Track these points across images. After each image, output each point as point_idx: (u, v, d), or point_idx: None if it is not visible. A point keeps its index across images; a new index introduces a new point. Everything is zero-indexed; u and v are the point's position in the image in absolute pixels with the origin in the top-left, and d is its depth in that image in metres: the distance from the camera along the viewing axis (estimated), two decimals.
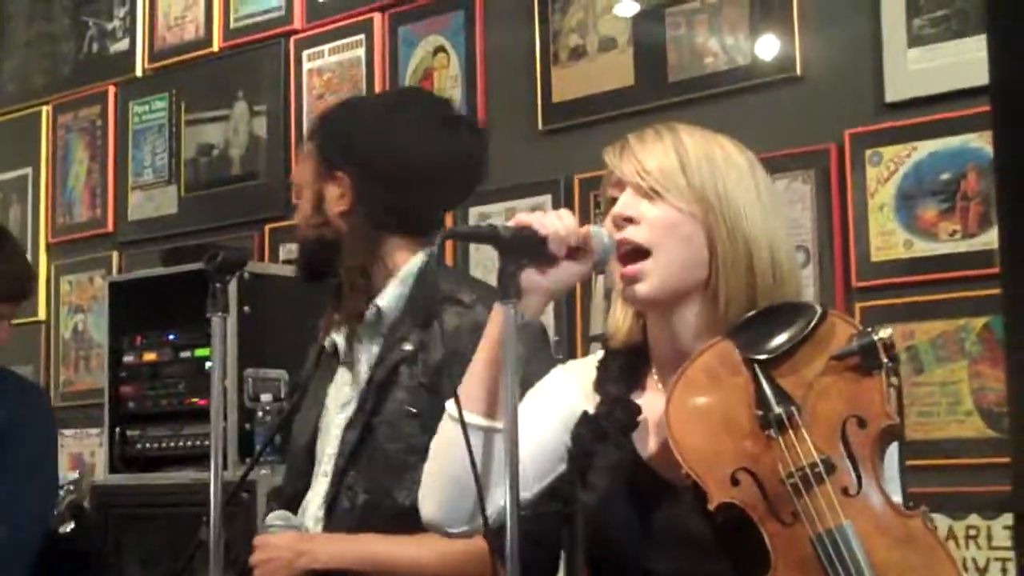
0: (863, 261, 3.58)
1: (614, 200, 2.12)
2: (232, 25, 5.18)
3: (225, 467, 3.17)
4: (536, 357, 2.47)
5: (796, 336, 1.96)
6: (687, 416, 1.96)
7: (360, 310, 2.75)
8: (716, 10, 3.91)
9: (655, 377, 2.15)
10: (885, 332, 1.92)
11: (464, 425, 1.97)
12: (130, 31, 5.54)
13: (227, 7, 5.20)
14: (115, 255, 5.47)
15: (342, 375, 2.82)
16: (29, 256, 5.63)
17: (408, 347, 2.67)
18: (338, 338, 2.82)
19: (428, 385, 2.63)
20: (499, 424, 2.01)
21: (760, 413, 1.91)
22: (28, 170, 5.85)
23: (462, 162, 2.83)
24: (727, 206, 2.07)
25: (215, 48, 5.24)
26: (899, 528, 1.85)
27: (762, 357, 1.95)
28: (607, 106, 4.09)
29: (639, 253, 2.06)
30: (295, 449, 2.90)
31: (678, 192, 2.06)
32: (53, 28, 5.88)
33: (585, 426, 2.09)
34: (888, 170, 3.55)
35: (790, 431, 1.89)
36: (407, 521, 2.59)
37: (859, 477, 1.88)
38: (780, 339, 1.96)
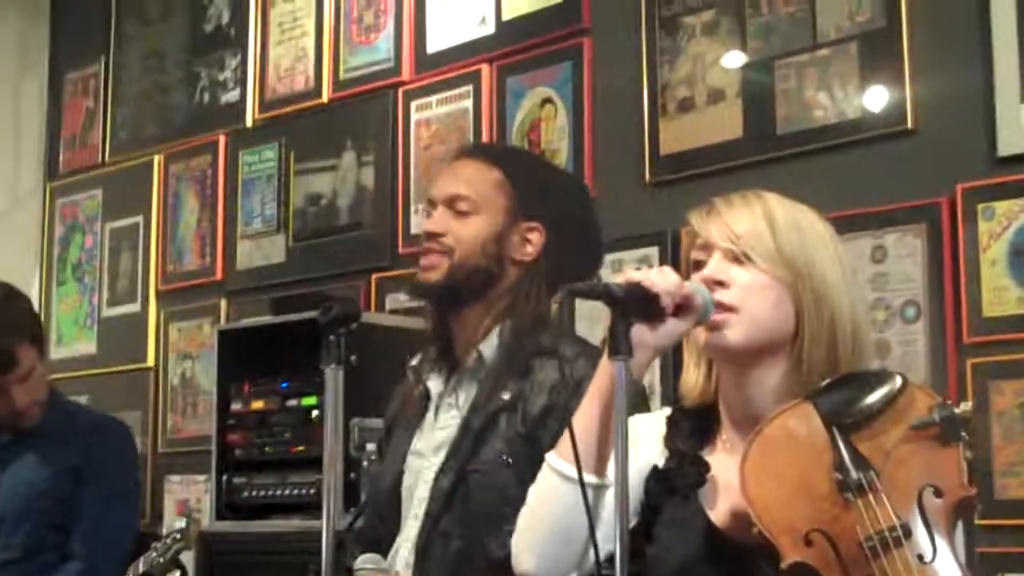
0: (975, 316, 3.53)
1: (698, 263, 2.16)
2: (342, 76, 5.23)
3: None
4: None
5: (877, 404, 1.98)
6: (763, 474, 1.99)
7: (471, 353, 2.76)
8: (825, 62, 3.89)
9: (724, 437, 2.17)
10: (965, 406, 1.95)
11: (583, 484, 1.99)
12: (241, 82, 5.61)
13: (336, 58, 5.25)
14: (223, 303, 5.52)
15: (434, 418, 2.81)
16: (138, 304, 5.75)
17: (506, 396, 2.67)
18: (432, 383, 2.83)
19: (526, 435, 2.64)
20: (607, 481, 2.02)
21: (839, 476, 1.93)
22: (139, 218, 5.93)
23: (601, 251, 2.97)
24: (814, 275, 2.11)
25: (324, 99, 5.29)
26: None
27: (842, 422, 1.97)
28: (715, 159, 4.07)
29: (728, 309, 2.09)
30: (378, 492, 2.90)
31: (768, 257, 2.10)
32: (166, 78, 5.98)
33: (655, 480, 2.14)
34: (1001, 225, 3.51)
35: (869, 495, 1.90)
36: (499, 572, 2.60)
37: (934, 545, 1.88)
38: (861, 405, 1.98)
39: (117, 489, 3.68)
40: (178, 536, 3.81)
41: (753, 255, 2.09)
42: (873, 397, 1.98)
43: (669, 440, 2.17)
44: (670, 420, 2.20)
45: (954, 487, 1.91)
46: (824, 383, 2.04)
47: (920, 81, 3.71)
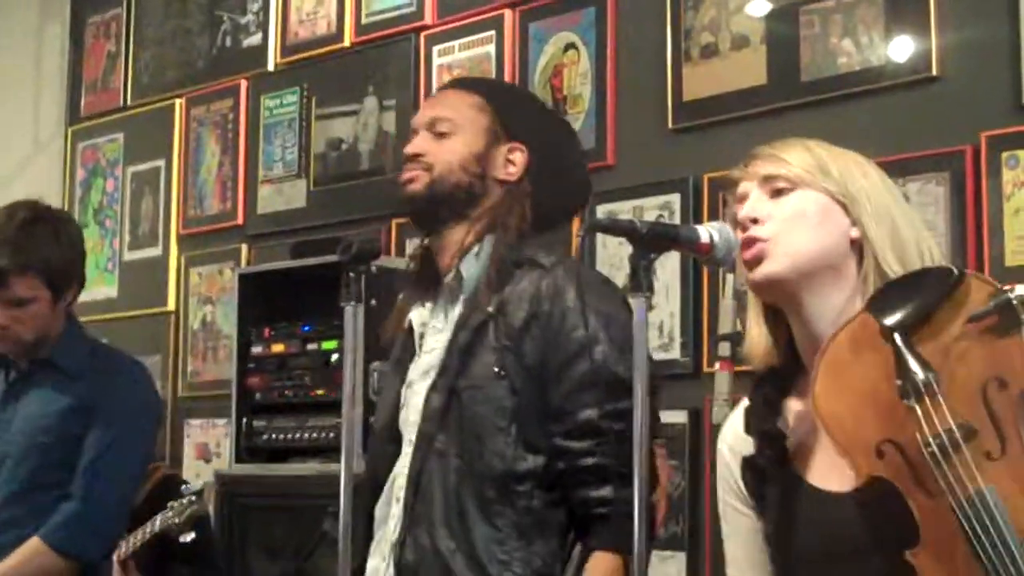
0: (997, 265, 3.50)
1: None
2: (363, 20, 5.21)
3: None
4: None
5: (932, 300, 1.91)
6: (832, 393, 1.94)
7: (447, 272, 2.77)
8: (850, 9, 3.86)
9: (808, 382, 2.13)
10: (1022, 289, 1.86)
11: None
12: (263, 26, 5.59)
13: (359, 2, 5.23)
14: (244, 247, 5.52)
15: (420, 347, 2.80)
16: (159, 248, 5.75)
17: (490, 309, 2.66)
18: (414, 315, 2.82)
19: (512, 347, 2.62)
20: None
21: (899, 383, 1.87)
22: (161, 162, 5.93)
23: (587, 187, 2.99)
24: (870, 194, 2.06)
25: (346, 43, 5.27)
26: None
27: (901, 325, 1.90)
28: (738, 105, 4.05)
29: (761, 243, 2.06)
30: (376, 431, 2.90)
31: (820, 179, 2.05)
32: (187, 23, 5.96)
33: (748, 471, 2.12)
34: None
35: (926, 399, 1.84)
36: (498, 485, 2.61)
37: (1003, 439, 1.83)
38: (916, 305, 1.91)
39: (123, 431, 3.57)
40: (193, 499, 3.80)
41: (806, 176, 2.05)
42: (927, 294, 1.91)
43: (748, 428, 2.14)
44: (747, 409, 2.17)
45: (1019, 375, 1.84)
46: (880, 287, 1.99)
47: (945, 28, 3.68)
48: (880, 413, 1.89)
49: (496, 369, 2.62)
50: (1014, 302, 1.86)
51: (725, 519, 2.19)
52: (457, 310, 2.73)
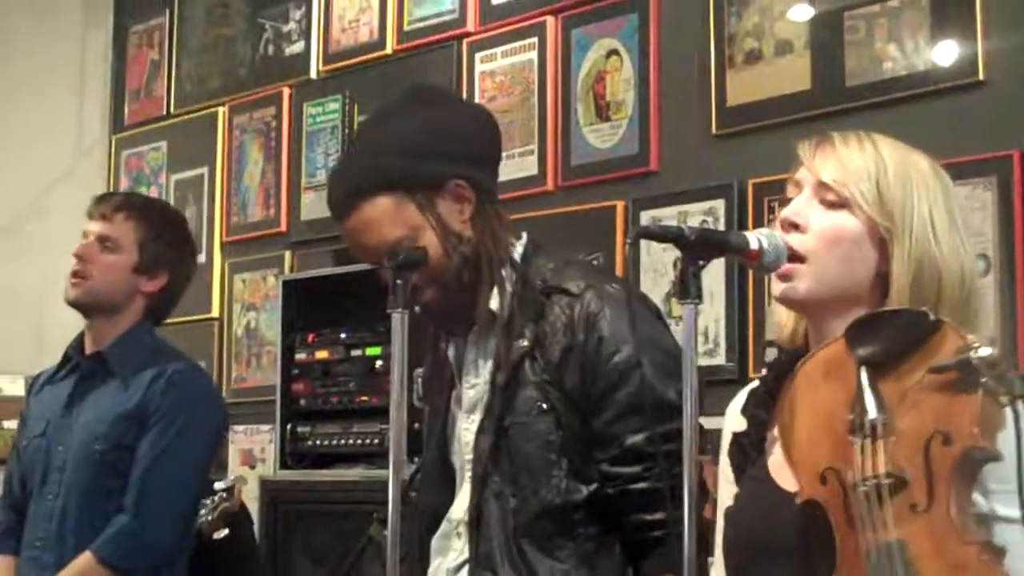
0: None
1: (788, 202, 2.12)
2: (406, 27, 5.22)
3: None
4: None
5: (906, 342, 1.90)
6: (797, 409, 1.97)
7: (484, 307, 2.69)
8: (896, 14, 3.84)
9: None
10: (985, 351, 1.83)
11: None
12: (305, 34, 5.61)
13: (401, 10, 5.24)
14: (287, 254, 5.54)
15: (460, 379, 2.78)
16: (203, 255, 5.77)
17: (524, 343, 2.63)
18: (451, 345, 2.79)
19: (552, 381, 2.61)
20: None
21: (851, 417, 1.88)
22: (204, 170, 5.95)
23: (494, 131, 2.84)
24: (916, 227, 2.04)
25: (389, 50, 5.28)
26: (956, 553, 1.80)
27: (870, 360, 1.91)
28: (783, 111, 4.04)
29: (798, 258, 2.06)
30: (426, 460, 2.89)
31: (868, 199, 2.04)
32: (230, 31, 5.99)
33: (733, 446, 2.16)
34: None
35: (870, 439, 1.85)
36: (555, 518, 2.60)
37: (931, 496, 1.83)
38: (890, 343, 1.91)
39: (175, 441, 3.53)
40: (224, 495, 3.81)
41: (850, 197, 2.04)
42: (902, 336, 1.90)
43: (744, 409, 2.18)
44: (751, 391, 2.20)
45: (963, 435, 1.82)
46: (862, 316, 1.98)
47: (992, 33, 3.66)
48: (833, 440, 1.90)
49: (540, 404, 2.60)
50: (974, 362, 1.83)
51: (719, 482, 2.22)
52: (492, 344, 2.70)
